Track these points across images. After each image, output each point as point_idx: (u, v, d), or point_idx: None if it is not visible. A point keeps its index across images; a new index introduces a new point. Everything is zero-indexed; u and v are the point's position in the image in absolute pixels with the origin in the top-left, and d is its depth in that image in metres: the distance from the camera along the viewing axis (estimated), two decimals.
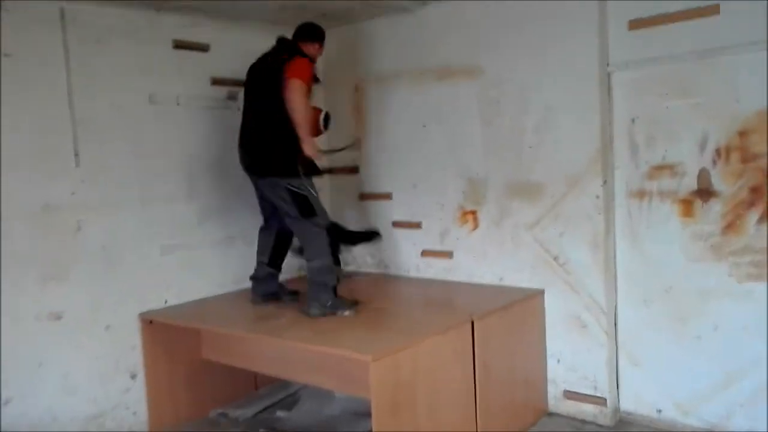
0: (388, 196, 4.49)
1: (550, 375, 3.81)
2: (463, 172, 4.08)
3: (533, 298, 3.73)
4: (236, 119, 3.78)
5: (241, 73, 3.74)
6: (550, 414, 3.80)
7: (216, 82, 4.17)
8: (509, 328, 3.50)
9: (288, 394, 4.21)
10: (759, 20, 3.04)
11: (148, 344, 3.73)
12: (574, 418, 3.70)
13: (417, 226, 4.33)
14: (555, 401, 3.80)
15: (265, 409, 4.03)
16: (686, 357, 3.40)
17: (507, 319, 3.47)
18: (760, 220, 3.13)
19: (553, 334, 3.77)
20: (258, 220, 3.93)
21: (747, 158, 3.15)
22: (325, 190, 4.84)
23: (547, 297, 3.78)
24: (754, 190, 3.14)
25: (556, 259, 3.72)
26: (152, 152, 3.84)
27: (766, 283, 3.13)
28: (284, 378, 3.83)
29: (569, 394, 3.73)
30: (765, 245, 3.12)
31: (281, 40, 3.65)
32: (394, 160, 4.45)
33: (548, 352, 3.81)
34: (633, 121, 3.49)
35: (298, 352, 3.20)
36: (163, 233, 3.90)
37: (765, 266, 3.13)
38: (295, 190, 3.44)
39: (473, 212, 4.06)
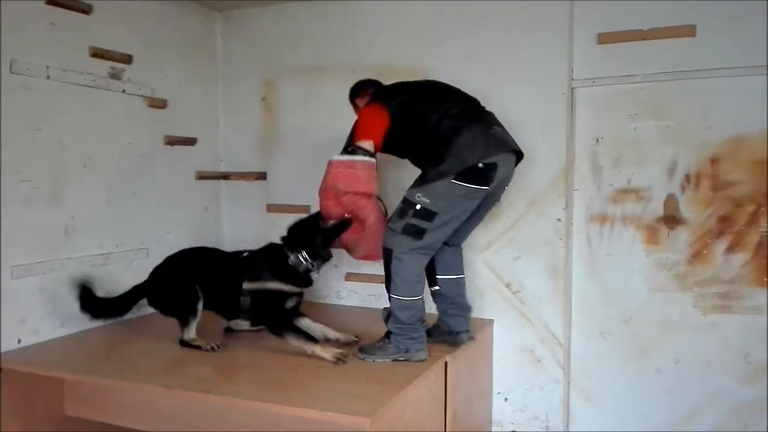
0: (305, 210, 3.85)
1: (495, 416, 3.44)
2: (403, 185, 3.58)
3: (482, 329, 3.32)
4: (121, 103, 3.00)
5: (129, 46, 2.93)
6: None
7: (97, 54, 3.24)
8: (469, 365, 3.07)
9: None
10: (735, 44, 2.98)
11: None
12: None
13: (340, 246, 3.75)
14: None
15: None
16: (645, 391, 3.23)
17: (469, 355, 3.03)
18: (728, 251, 3.07)
19: (502, 369, 3.42)
20: (145, 232, 3.15)
21: (717, 186, 3.07)
22: (220, 199, 4.09)
23: (496, 328, 3.42)
24: (724, 220, 3.07)
25: (508, 286, 3.38)
26: (6, 137, 2.83)
27: (731, 315, 3.07)
28: None
29: None
30: (732, 276, 3.07)
31: None
32: (314, 168, 3.80)
33: (494, 390, 3.45)
34: (597, 140, 3.28)
35: (229, 410, 2.46)
36: (15, 250, 2.89)
37: (732, 298, 3.07)
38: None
39: None
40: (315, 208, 3.80)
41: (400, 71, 3.55)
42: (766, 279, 3.01)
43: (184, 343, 2.89)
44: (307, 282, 2.90)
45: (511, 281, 3.37)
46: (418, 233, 2.60)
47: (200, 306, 2.91)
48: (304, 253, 2.85)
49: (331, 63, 3.77)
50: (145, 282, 3.11)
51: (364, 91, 3.11)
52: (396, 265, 2.64)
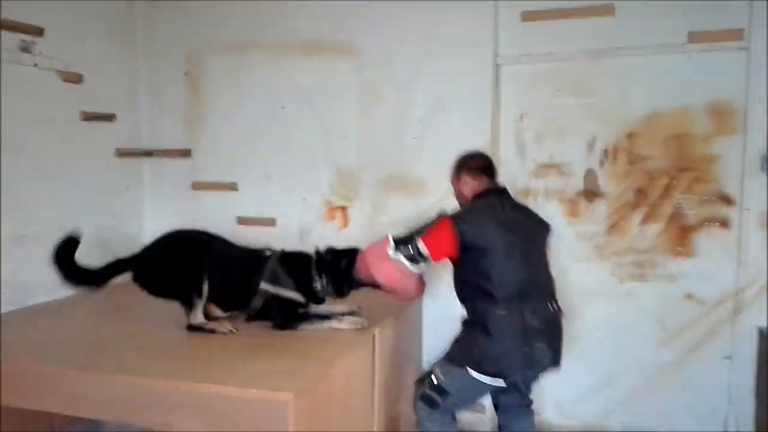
0: (231, 187, 3.77)
1: None
2: (332, 162, 3.58)
3: (413, 302, 3.39)
4: (33, 78, 2.92)
5: (39, 18, 2.83)
6: None
7: (4, 26, 3.04)
8: (398, 336, 3.12)
9: None
10: (653, 23, 3.10)
11: None
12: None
13: (270, 223, 3.71)
14: None
15: None
16: (566, 357, 3.37)
17: (397, 327, 3.07)
18: (643, 222, 3.22)
19: (432, 341, 3.49)
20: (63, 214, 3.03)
21: (633, 160, 3.21)
22: (142, 178, 3.95)
23: (425, 298, 3.48)
24: (639, 192, 3.22)
25: None
26: None
27: (647, 283, 3.23)
28: (117, 421, 2.92)
29: None
30: (647, 246, 3.22)
31: None
32: (241, 144, 3.75)
33: (424, 359, 3.52)
34: (521, 117, 3.36)
35: (153, 390, 2.40)
36: None
37: (647, 267, 3.23)
38: None
39: (343, 208, 3.59)
40: (242, 185, 3.79)
41: (328, 48, 3.53)
42: (679, 248, 3.19)
43: (193, 328, 2.73)
44: (320, 301, 2.83)
45: None
46: (433, 404, 2.60)
47: (206, 287, 2.73)
48: (330, 285, 2.75)
49: (258, 38, 3.68)
50: (134, 257, 2.87)
51: (461, 172, 2.79)
52: (421, 428, 2.68)
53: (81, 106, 3.51)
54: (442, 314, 3.41)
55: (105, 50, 3.68)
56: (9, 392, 2.50)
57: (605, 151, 3.24)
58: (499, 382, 2.49)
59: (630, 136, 3.20)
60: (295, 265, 2.77)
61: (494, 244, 2.47)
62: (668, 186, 3.17)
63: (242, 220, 3.76)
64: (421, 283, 2.72)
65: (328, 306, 2.87)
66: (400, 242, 2.50)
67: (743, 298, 3.10)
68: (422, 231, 2.52)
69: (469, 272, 2.56)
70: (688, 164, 3.14)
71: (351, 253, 2.75)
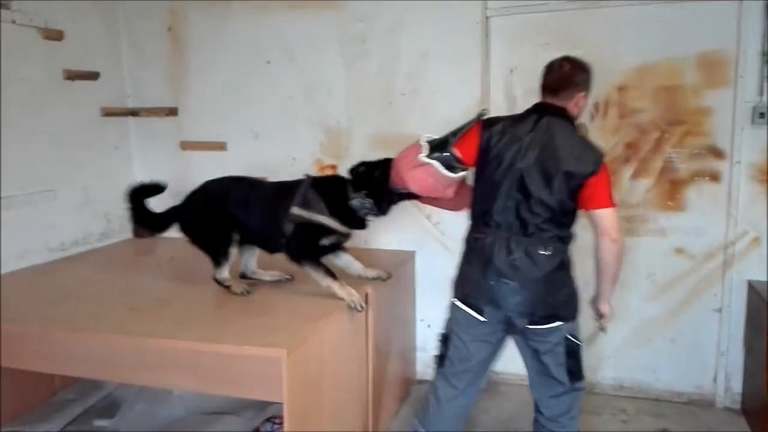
0: (221, 146, 3.73)
1: (419, 342, 3.56)
2: (321, 120, 3.54)
3: (405, 261, 3.40)
4: (12, 35, 2.88)
5: None
6: (420, 382, 3.55)
7: None
8: (391, 296, 3.13)
9: (101, 398, 3.31)
10: None
11: None
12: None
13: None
14: (424, 368, 3.55)
15: (75, 419, 3.10)
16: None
17: (390, 287, 3.07)
18: (634, 176, 3.21)
19: (424, 298, 3.51)
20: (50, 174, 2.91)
21: (624, 114, 3.18)
22: (129, 138, 3.90)
23: (417, 259, 3.49)
24: (630, 146, 3.19)
25: (428, 218, 3.43)
26: None
27: (638, 237, 3.23)
28: (114, 380, 2.96)
29: None
30: (638, 201, 3.21)
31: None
32: (227, 102, 3.70)
33: (418, 318, 3.55)
34: (511, 71, 3.31)
35: (148, 349, 2.41)
36: None
37: (638, 221, 3.23)
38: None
39: (333, 167, 3.55)
40: (231, 144, 3.75)
41: (312, 2, 3.45)
42: (669, 203, 3.19)
43: (217, 281, 2.72)
44: (360, 225, 2.67)
45: (430, 213, 3.42)
46: (440, 360, 2.45)
47: (234, 249, 2.69)
48: (370, 200, 2.60)
49: None
50: (177, 208, 2.85)
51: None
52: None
53: (63, 64, 3.43)
54: (437, 272, 3.42)
55: (85, 6, 3.58)
56: (8, 354, 2.51)
57: (596, 105, 3.20)
58: (478, 316, 2.32)
59: (621, 89, 3.16)
60: (328, 188, 2.65)
61: (494, 160, 2.25)
62: (659, 140, 3.14)
63: None
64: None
65: (362, 267, 2.81)
66: (435, 147, 2.31)
67: (733, 251, 3.11)
68: (459, 133, 2.33)
69: (474, 186, 2.38)
70: (679, 117, 3.10)
71: (384, 164, 2.56)
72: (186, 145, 3.82)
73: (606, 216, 2.23)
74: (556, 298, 2.28)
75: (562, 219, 2.25)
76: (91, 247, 3.63)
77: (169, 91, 3.81)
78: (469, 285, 2.35)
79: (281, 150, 3.62)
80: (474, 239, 2.35)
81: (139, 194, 2.88)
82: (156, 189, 2.90)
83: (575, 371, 2.34)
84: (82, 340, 2.41)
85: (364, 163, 2.67)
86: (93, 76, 3.61)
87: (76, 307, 2.64)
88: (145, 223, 2.93)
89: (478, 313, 2.32)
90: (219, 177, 2.89)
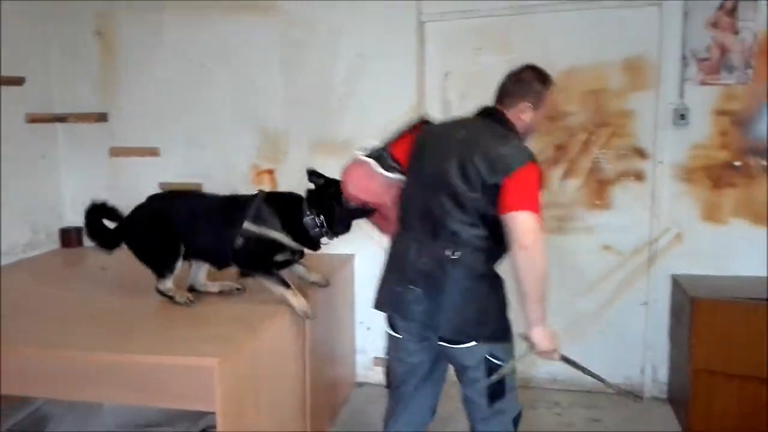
0: (153, 152, 3.65)
1: (359, 344, 3.58)
2: (257, 124, 3.51)
3: (344, 263, 3.41)
4: None
5: None
6: (360, 384, 3.58)
7: None
8: (330, 299, 3.13)
9: (28, 413, 3.19)
10: None
11: None
12: (384, 386, 3.53)
13: (196, 188, 3.60)
14: (364, 371, 3.58)
15: None
16: None
17: (328, 290, 3.07)
18: (563, 177, 3.31)
19: (363, 300, 3.51)
20: None
21: (554, 116, 3.27)
22: (57, 145, 3.77)
23: (357, 261, 3.50)
24: (560, 148, 3.30)
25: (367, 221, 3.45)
26: None
27: (567, 236, 3.34)
28: (42, 396, 2.85)
29: (379, 361, 3.54)
30: (567, 200, 3.32)
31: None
32: (160, 107, 3.62)
33: (357, 320, 3.56)
34: (446, 75, 3.37)
35: (77, 363, 2.34)
36: None
37: (567, 220, 3.34)
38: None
39: (270, 171, 3.53)
40: (164, 150, 3.68)
41: (249, 6, 3.42)
42: (597, 202, 3.30)
43: (159, 292, 2.62)
44: (315, 245, 2.62)
45: None
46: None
47: (179, 263, 2.60)
48: (323, 219, 2.54)
49: None
50: (124, 221, 2.73)
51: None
52: None
53: None
54: (376, 275, 3.44)
55: (11, 10, 3.44)
56: None
57: None
58: (393, 333, 2.22)
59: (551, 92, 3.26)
60: (283, 203, 2.59)
61: (419, 161, 2.18)
62: (587, 141, 3.26)
63: (165, 186, 3.64)
64: None
65: (305, 271, 2.78)
66: (373, 149, 2.29)
67: (657, 247, 3.25)
68: (398, 134, 2.32)
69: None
70: (606, 119, 3.23)
71: (338, 183, 2.48)
72: (116, 152, 3.72)
73: (517, 220, 1.94)
74: (466, 313, 2.06)
75: (481, 224, 2.03)
76: (16, 258, 3.50)
77: (99, 97, 3.71)
78: (382, 293, 2.26)
79: (217, 155, 3.58)
80: (392, 243, 2.28)
81: (97, 213, 2.75)
82: (113, 214, 2.76)
83: (496, 395, 2.13)
84: (7, 354, 2.32)
85: (317, 174, 2.59)
86: (18, 81, 3.47)
87: (2, 321, 2.54)
88: (101, 240, 2.79)
89: (393, 330, 2.22)
90: (163, 192, 2.85)
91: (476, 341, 2.06)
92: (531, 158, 2.02)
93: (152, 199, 2.78)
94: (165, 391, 2.17)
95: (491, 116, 2.19)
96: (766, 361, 2.77)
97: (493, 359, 2.09)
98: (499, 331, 2.11)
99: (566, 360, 2.28)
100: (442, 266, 2.05)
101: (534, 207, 1.96)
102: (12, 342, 2.31)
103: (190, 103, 3.58)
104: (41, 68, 3.67)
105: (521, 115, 2.17)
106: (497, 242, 2.03)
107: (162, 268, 2.62)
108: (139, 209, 2.73)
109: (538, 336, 2.07)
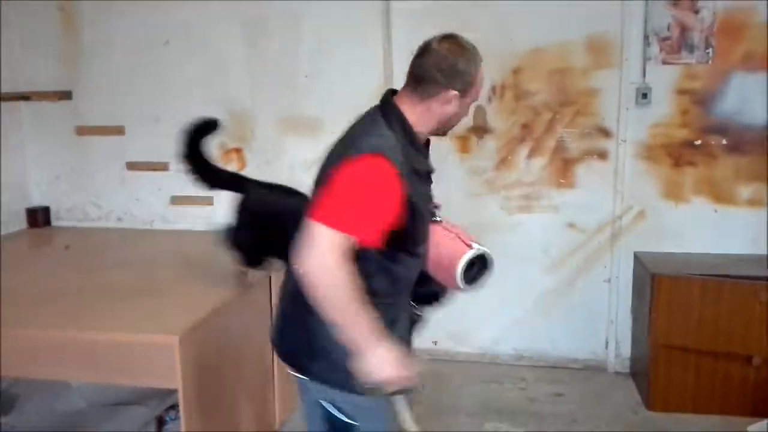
0: (119, 131, 3.61)
1: None
2: (224, 102, 3.48)
3: None
4: None
5: None
6: None
7: None
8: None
9: None
10: None
11: None
12: None
13: (163, 167, 3.59)
14: None
15: None
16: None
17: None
18: (529, 156, 3.34)
19: None
20: None
21: (519, 96, 3.30)
22: (18, 124, 3.72)
23: None
24: (525, 127, 3.32)
25: None
26: None
27: (533, 214, 3.38)
28: (7, 375, 2.82)
29: None
30: (533, 179, 3.36)
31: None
32: (124, 85, 3.58)
33: None
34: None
35: (41, 342, 2.33)
36: None
37: (533, 198, 3.37)
38: None
39: (238, 150, 3.52)
40: (129, 129, 3.65)
41: None
42: (561, 180, 3.34)
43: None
44: None
45: None
46: None
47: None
48: None
49: None
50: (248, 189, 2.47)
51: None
52: None
53: None
54: None
55: None
56: None
57: (493, 88, 3.31)
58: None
59: (515, 72, 3.28)
60: None
61: None
62: (552, 120, 3.29)
63: (132, 165, 3.63)
64: None
65: None
66: None
67: (620, 225, 3.31)
68: None
69: None
70: (570, 98, 3.26)
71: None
72: (82, 130, 3.67)
73: (307, 230, 1.45)
74: (297, 334, 1.67)
75: None
76: None
77: (62, 74, 3.64)
78: None
79: None
80: None
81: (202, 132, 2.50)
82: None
83: None
84: None
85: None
86: None
87: None
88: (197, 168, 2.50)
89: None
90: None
91: (307, 377, 1.65)
92: (374, 150, 1.50)
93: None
94: (127, 369, 2.19)
95: (383, 108, 1.65)
96: (722, 337, 2.86)
97: (331, 409, 1.62)
98: (337, 377, 1.58)
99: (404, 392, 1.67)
100: (290, 291, 1.68)
101: (330, 217, 1.43)
102: None
103: (155, 81, 3.54)
104: (3, 45, 3.60)
105: (447, 103, 1.62)
106: None
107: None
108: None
109: (367, 367, 1.49)
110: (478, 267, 1.74)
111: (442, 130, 1.70)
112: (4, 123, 3.61)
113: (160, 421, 2.78)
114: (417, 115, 1.61)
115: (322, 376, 1.62)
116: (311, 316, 1.51)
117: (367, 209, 1.47)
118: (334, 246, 1.42)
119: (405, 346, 1.67)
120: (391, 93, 1.70)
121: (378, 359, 1.49)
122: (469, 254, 1.71)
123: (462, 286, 1.72)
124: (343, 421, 1.62)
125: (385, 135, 1.55)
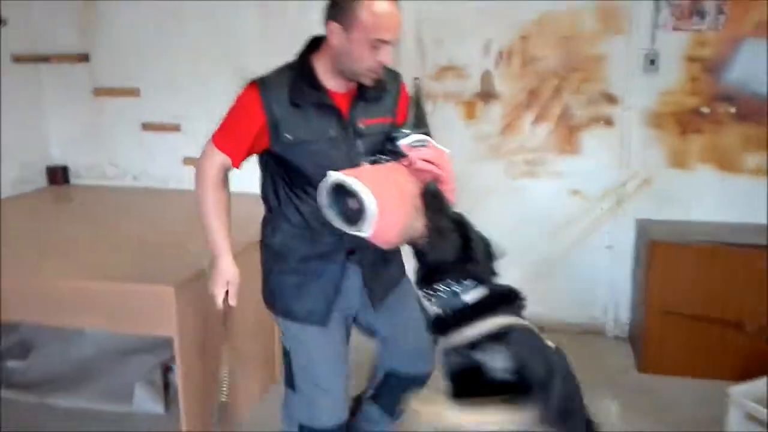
0: (133, 92, 3.71)
1: None
2: (236, 67, 3.52)
3: None
4: None
5: None
6: None
7: None
8: None
9: (14, 340, 3.35)
10: None
11: None
12: None
13: (175, 128, 3.68)
14: None
15: None
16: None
17: None
18: (534, 121, 3.36)
19: None
20: None
21: (526, 62, 3.30)
22: (38, 85, 3.83)
23: None
24: (531, 93, 3.33)
25: None
26: None
27: (537, 180, 3.41)
28: (25, 321, 3.01)
29: None
30: (537, 145, 3.37)
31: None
32: (140, 47, 3.65)
33: None
34: (421, 21, 3.38)
35: (39, 289, 2.47)
36: None
37: (537, 164, 3.40)
38: None
39: None
40: (145, 91, 3.73)
41: None
42: (566, 147, 3.35)
43: None
44: None
45: None
46: None
47: None
48: None
49: None
50: None
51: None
52: None
53: None
54: None
55: None
56: None
57: (500, 53, 3.31)
58: None
59: (523, 38, 3.28)
60: None
61: None
62: (558, 87, 3.29)
63: (147, 126, 3.73)
64: None
65: None
66: None
67: (624, 192, 3.32)
68: None
69: None
70: (577, 65, 3.25)
71: None
72: (99, 92, 3.77)
73: None
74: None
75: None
76: (5, 195, 3.61)
77: (80, 37, 3.72)
78: None
79: (198, 96, 3.61)
80: None
81: None
82: None
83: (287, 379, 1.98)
84: None
85: None
86: (1, 21, 3.51)
87: None
88: None
89: None
90: None
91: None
92: (253, 80, 1.85)
93: None
94: (131, 318, 2.32)
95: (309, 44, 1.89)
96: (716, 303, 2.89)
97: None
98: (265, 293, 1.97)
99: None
100: None
101: (216, 136, 1.82)
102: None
103: (169, 44, 3.60)
104: (23, 8, 3.69)
105: (331, 37, 1.75)
106: (268, 194, 1.91)
107: None
108: None
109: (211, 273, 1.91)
110: (357, 207, 1.62)
111: (347, 73, 1.78)
112: (24, 85, 3.74)
113: (166, 369, 2.93)
114: (326, 55, 1.80)
115: (265, 301, 1.96)
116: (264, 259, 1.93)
117: (230, 129, 1.81)
118: (207, 158, 1.82)
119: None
120: (316, 39, 1.86)
121: (214, 271, 1.90)
122: (331, 179, 1.63)
123: (331, 218, 1.68)
124: (284, 346, 1.95)
125: (279, 70, 1.86)
